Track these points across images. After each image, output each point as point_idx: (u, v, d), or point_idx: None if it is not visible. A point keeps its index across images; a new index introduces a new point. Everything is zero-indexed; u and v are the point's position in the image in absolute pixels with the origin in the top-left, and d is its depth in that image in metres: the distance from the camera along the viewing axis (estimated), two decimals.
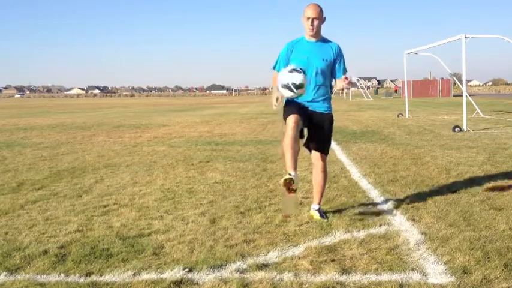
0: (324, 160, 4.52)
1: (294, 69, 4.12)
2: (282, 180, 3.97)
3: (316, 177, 4.54)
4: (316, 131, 4.42)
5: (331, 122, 4.51)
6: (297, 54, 4.36)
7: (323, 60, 4.34)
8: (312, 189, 5.67)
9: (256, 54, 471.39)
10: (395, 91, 72.95)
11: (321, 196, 4.59)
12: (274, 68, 4.50)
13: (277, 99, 4.22)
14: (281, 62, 4.43)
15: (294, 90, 4.08)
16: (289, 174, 3.98)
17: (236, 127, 15.80)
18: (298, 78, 4.07)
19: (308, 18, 4.28)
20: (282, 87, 4.12)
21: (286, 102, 4.41)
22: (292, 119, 4.17)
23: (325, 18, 4.38)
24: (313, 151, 4.50)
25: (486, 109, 22.16)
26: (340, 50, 4.44)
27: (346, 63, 4.48)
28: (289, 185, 3.95)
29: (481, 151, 8.76)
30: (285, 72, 4.16)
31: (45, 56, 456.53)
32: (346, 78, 4.31)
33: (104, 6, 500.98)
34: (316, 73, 4.33)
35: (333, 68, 4.42)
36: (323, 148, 4.48)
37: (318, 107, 4.42)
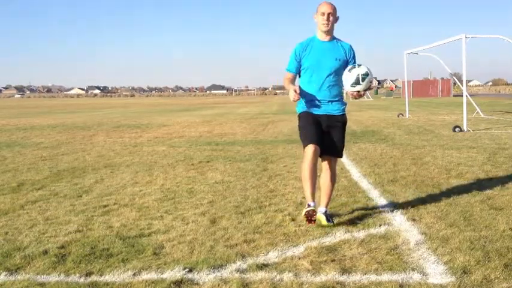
0: (335, 162, 4.44)
1: (353, 67, 4.12)
2: (304, 212, 4.12)
3: (326, 179, 4.41)
4: (329, 134, 4.32)
5: (345, 123, 4.42)
6: (310, 54, 4.26)
7: (336, 59, 4.24)
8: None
9: (256, 54, 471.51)
10: (391, 90, 73.23)
11: (329, 199, 4.46)
12: (287, 69, 4.39)
13: (295, 91, 4.10)
14: (293, 63, 4.33)
15: (361, 82, 4.05)
16: (309, 205, 4.11)
17: (236, 127, 15.80)
18: (362, 69, 4.08)
19: (323, 13, 4.19)
20: (351, 86, 4.08)
21: (300, 115, 4.34)
22: (311, 149, 4.13)
23: (338, 17, 4.31)
24: (325, 154, 4.36)
25: (486, 109, 22.15)
26: (352, 50, 4.34)
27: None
28: (311, 216, 4.09)
29: (481, 151, 8.76)
30: (346, 73, 4.12)
31: (45, 56, 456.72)
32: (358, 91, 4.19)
33: (105, 6, 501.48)
34: (330, 73, 4.23)
35: (345, 68, 4.28)
36: (336, 151, 4.39)
37: (332, 109, 4.31)
